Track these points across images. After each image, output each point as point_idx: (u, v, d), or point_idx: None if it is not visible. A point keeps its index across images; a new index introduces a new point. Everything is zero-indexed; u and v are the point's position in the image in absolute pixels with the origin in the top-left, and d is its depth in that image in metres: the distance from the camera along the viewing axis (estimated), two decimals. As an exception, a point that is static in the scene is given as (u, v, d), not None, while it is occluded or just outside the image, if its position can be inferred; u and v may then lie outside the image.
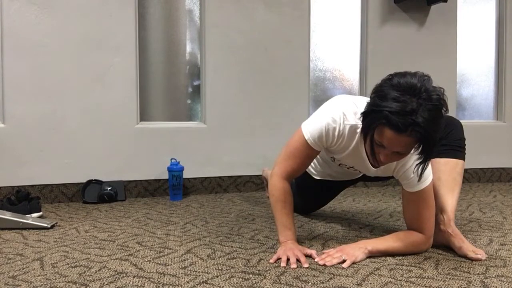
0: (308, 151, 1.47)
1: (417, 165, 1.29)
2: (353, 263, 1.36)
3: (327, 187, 1.93)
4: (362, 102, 1.35)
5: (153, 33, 2.67)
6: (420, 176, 1.35)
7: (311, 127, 1.44)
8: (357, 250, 1.41)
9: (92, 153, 2.45)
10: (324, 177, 1.86)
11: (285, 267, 1.34)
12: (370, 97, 1.26)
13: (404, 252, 1.45)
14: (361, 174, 1.79)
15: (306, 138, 1.44)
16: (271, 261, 1.38)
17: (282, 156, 1.52)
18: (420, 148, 1.23)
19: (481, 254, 1.41)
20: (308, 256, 1.41)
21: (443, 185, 1.54)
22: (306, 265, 1.34)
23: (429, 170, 1.40)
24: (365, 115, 1.26)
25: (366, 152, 1.43)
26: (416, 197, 1.43)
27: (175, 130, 2.62)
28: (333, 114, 1.41)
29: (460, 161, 1.59)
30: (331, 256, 1.39)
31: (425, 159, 1.25)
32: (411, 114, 1.15)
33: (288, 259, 1.37)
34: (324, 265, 1.34)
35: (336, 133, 1.42)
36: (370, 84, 2.97)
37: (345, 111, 1.41)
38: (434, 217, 1.47)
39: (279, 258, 1.39)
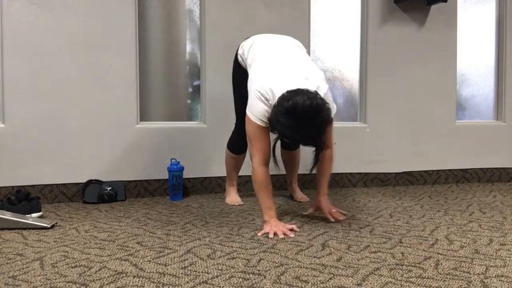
0: (264, 130, 1.81)
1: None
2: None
3: None
4: (277, 81, 1.74)
5: (153, 33, 2.67)
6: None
7: (254, 112, 1.79)
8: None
9: (92, 153, 2.45)
10: None
11: (284, 266, 1.34)
12: (279, 109, 1.64)
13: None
14: None
15: (257, 122, 1.79)
16: (259, 234, 1.71)
17: (251, 147, 1.85)
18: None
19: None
20: (291, 230, 1.74)
21: None
22: (292, 235, 1.69)
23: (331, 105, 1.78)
24: (272, 118, 1.68)
25: None
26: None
27: (175, 130, 2.62)
28: (263, 97, 1.76)
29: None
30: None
31: (318, 147, 1.73)
32: (300, 140, 1.74)
33: (275, 234, 1.69)
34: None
35: (270, 109, 1.77)
36: (370, 84, 2.97)
37: (270, 91, 1.74)
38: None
39: (266, 233, 1.71)
